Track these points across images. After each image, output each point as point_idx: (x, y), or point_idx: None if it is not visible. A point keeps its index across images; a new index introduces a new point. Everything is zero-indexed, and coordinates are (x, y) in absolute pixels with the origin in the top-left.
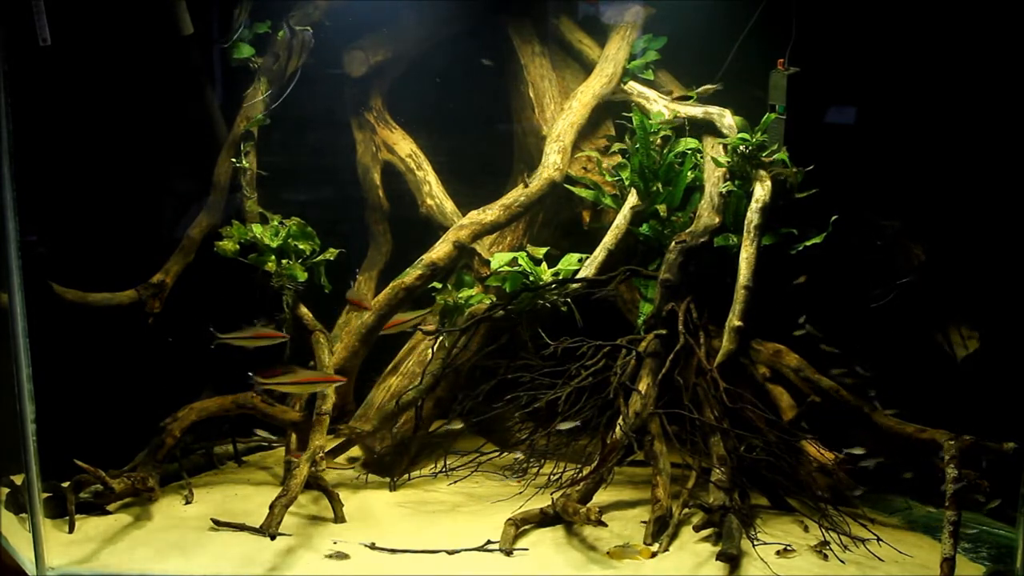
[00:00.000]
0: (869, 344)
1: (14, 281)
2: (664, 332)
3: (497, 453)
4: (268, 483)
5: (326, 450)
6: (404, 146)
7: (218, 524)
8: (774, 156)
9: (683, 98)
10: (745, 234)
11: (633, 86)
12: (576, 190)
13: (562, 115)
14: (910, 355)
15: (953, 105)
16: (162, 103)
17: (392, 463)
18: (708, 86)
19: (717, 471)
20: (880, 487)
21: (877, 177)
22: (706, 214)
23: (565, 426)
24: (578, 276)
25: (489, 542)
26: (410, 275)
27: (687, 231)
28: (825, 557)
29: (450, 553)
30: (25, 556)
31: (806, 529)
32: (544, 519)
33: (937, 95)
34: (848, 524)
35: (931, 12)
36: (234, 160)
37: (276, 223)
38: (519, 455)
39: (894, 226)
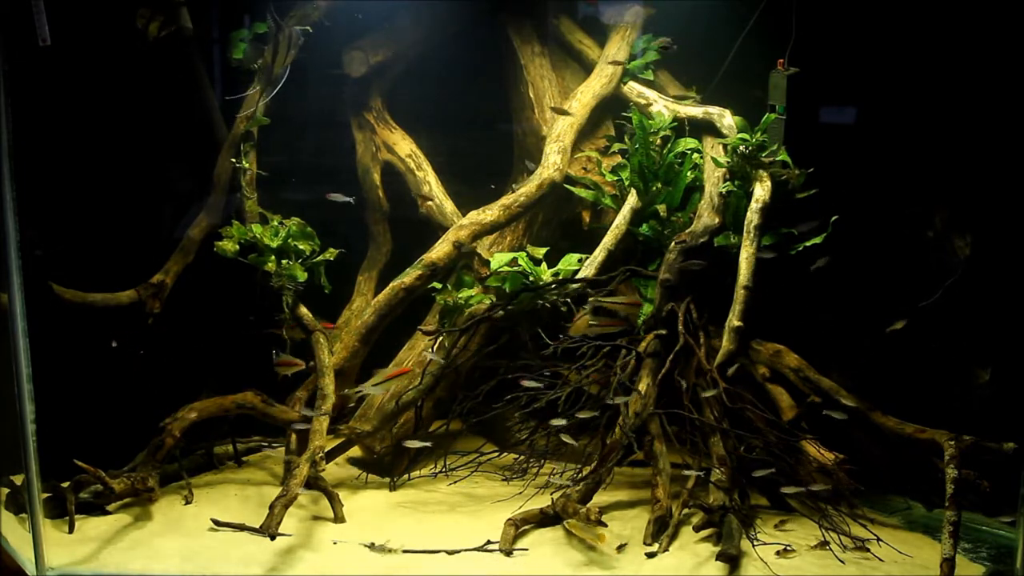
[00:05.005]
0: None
1: (14, 281)
2: (664, 332)
3: (497, 453)
4: (268, 483)
5: (326, 450)
6: (404, 146)
7: (218, 524)
8: (774, 156)
9: (681, 97)
10: (745, 234)
11: (633, 86)
12: (576, 190)
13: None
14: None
15: (953, 104)
16: (162, 103)
17: (392, 463)
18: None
19: (717, 471)
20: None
21: (877, 177)
22: (706, 214)
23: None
24: (578, 276)
25: (489, 542)
26: (410, 275)
27: (687, 231)
28: (861, 548)
29: (450, 553)
30: (25, 556)
31: (778, 525)
32: (544, 519)
33: (937, 95)
34: (848, 524)
35: (931, 11)
36: (234, 160)
37: (276, 223)
38: (519, 455)
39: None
